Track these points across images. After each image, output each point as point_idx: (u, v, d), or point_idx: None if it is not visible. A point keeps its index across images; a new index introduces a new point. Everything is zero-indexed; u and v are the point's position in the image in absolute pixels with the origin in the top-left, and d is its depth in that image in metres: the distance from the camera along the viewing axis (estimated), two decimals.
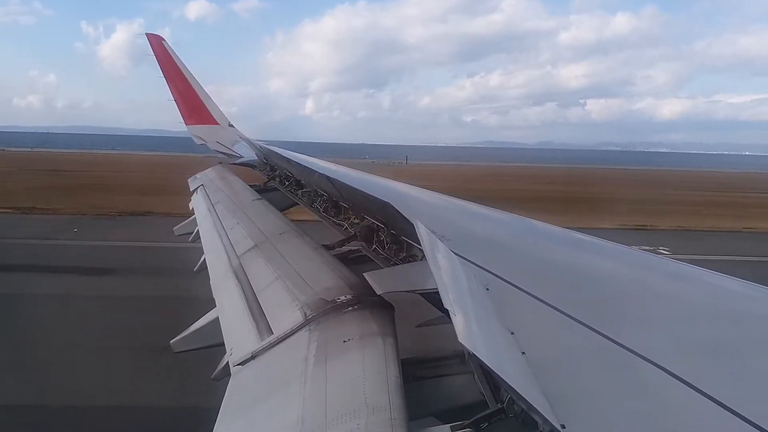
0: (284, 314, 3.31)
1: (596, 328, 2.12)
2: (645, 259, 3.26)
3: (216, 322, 3.81)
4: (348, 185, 4.75)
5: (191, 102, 14.55)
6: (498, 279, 2.67)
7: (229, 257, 4.98)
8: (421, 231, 2.92)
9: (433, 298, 2.79)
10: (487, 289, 2.55)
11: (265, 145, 10.65)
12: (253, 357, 2.90)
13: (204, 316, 4.19)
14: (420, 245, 3.02)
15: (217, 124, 14.80)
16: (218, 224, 6.50)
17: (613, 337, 2.04)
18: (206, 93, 14.87)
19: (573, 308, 2.31)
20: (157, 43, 14.44)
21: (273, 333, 3.12)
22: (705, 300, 2.78)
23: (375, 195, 3.89)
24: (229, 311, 3.84)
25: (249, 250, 5.03)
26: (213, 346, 3.74)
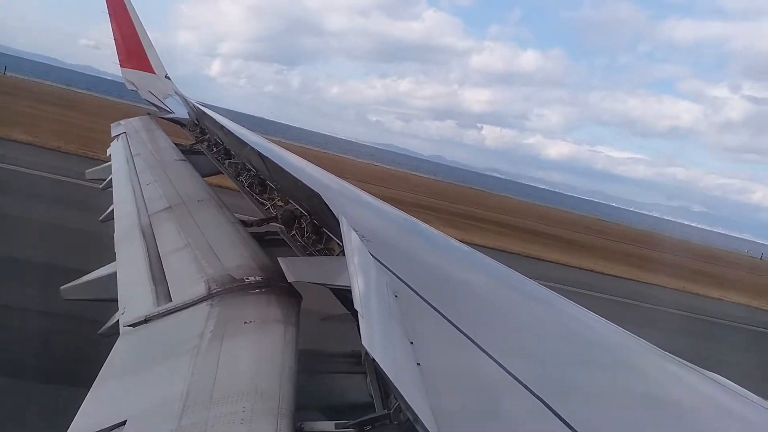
0: (187, 283, 3.21)
1: (490, 353, 2.19)
2: (549, 297, 3.40)
3: (113, 276, 3.64)
4: (280, 166, 4.67)
5: (131, 45, 13.92)
6: (408, 288, 2.70)
7: (139, 213, 4.78)
8: (345, 228, 2.92)
9: (343, 295, 2.79)
10: (396, 297, 2.58)
11: (199, 106, 10.30)
12: (146, 321, 2.80)
13: (101, 268, 4.01)
14: (340, 241, 3.02)
15: (154, 73, 14.22)
16: (134, 177, 6.23)
17: (503, 364, 2.11)
18: (149, 40, 14.26)
19: (473, 329, 2.38)
20: None
21: (172, 300, 3.02)
22: (588, 340, 2.95)
23: (306, 182, 3.85)
24: (129, 268, 3.68)
25: (162, 210, 4.85)
26: (106, 300, 3.57)
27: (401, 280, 2.79)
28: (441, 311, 2.52)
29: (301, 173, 4.36)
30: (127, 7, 13.87)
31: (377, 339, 1.92)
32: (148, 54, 14.23)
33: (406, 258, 3.42)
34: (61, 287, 3.89)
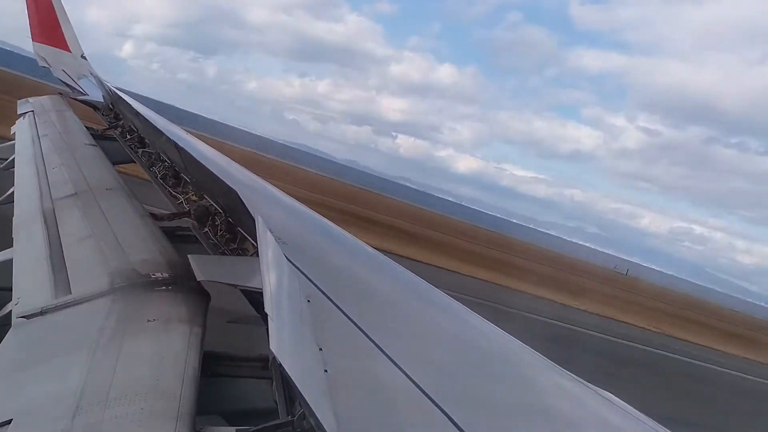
0: (89, 276, 3.07)
1: (396, 360, 2.23)
2: (454, 307, 3.49)
3: (8, 263, 3.42)
4: (197, 159, 4.54)
5: (46, 18, 13.10)
6: (321, 293, 2.70)
7: (42, 197, 4.52)
8: (260, 228, 2.88)
9: (254, 297, 2.76)
10: (308, 301, 2.57)
11: (115, 89, 9.83)
12: (42, 313, 2.66)
13: None
14: (255, 241, 2.98)
15: (69, 51, 13.44)
16: (39, 159, 5.87)
17: (407, 372, 2.15)
18: (66, 16, 13.48)
19: (381, 336, 2.41)
20: None
21: (71, 293, 2.88)
22: (487, 349, 3.08)
23: (223, 178, 3.77)
24: (26, 256, 3.48)
25: (67, 196, 4.60)
26: None
27: (314, 284, 2.79)
28: (352, 318, 2.54)
29: (219, 168, 4.26)
30: None
31: (286, 344, 1.91)
32: (64, 30, 13.44)
33: (321, 262, 3.42)
34: None
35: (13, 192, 4.96)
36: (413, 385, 2.07)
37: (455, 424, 1.88)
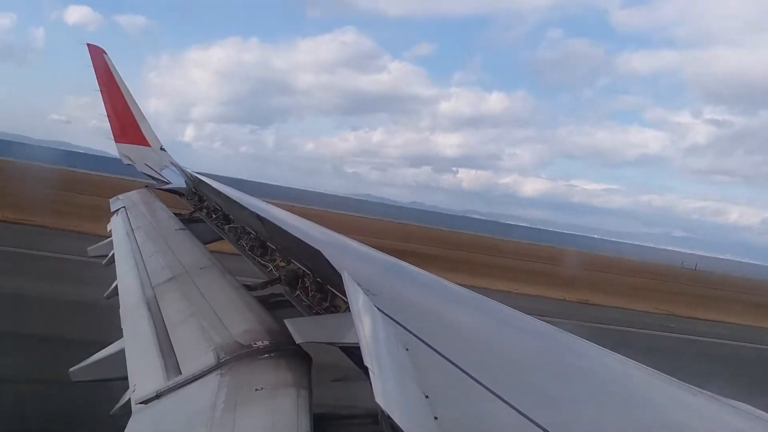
0: (196, 354, 3.18)
1: (507, 399, 2.16)
2: (564, 339, 3.36)
3: (121, 354, 3.61)
4: (278, 227, 4.69)
5: (125, 120, 14.14)
6: (418, 340, 2.68)
7: (143, 287, 4.77)
8: (348, 283, 2.91)
9: (353, 352, 2.76)
10: (407, 350, 2.55)
11: (195, 174, 10.41)
12: (157, 396, 2.76)
13: (108, 347, 3.98)
14: (345, 297, 3.01)
15: (149, 146, 14.40)
16: (136, 250, 6.24)
17: (522, 410, 2.07)
18: (142, 113, 14.50)
19: (487, 377, 2.35)
20: (97, 55, 14.05)
21: (182, 373, 2.99)
22: (605, 377, 2.89)
23: (305, 240, 3.86)
24: (136, 344, 3.65)
25: (166, 281, 4.84)
26: (115, 379, 3.53)
27: (410, 332, 2.77)
28: (454, 361, 2.49)
29: (300, 231, 4.37)
30: (118, 82, 14.13)
31: (391, 395, 1.89)
32: (141, 127, 14.43)
33: (412, 309, 3.40)
34: (70, 369, 3.85)
35: (116, 285, 5.26)
36: (529, 422, 1.99)
37: None
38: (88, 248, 8.34)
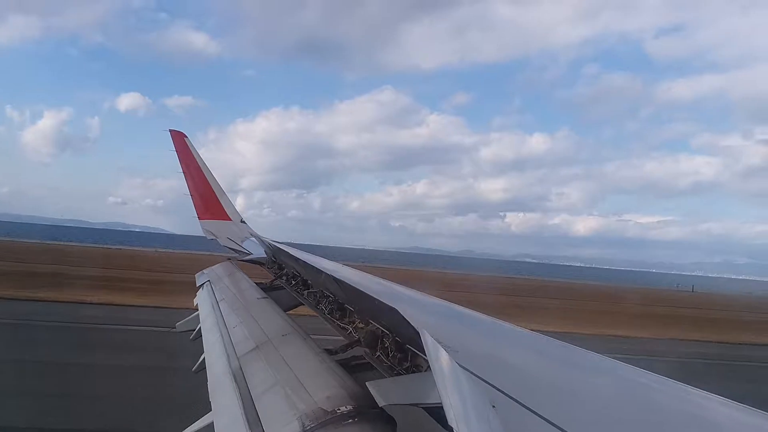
0: (281, 423, 3.17)
1: None
2: (657, 383, 3.14)
3: (210, 427, 3.66)
4: (354, 288, 4.70)
5: (206, 197, 14.84)
6: (505, 396, 2.56)
7: (228, 358, 4.85)
8: (427, 341, 2.84)
9: (437, 413, 2.67)
10: (494, 407, 2.44)
11: (273, 243, 10.70)
12: None
13: (199, 420, 4.04)
14: (425, 355, 2.94)
15: (230, 219, 14.98)
16: (221, 322, 6.39)
17: None
18: (221, 189, 15.18)
19: (582, 430, 2.21)
20: (179, 139, 14.94)
21: None
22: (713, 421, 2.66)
23: (381, 299, 3.83)
24: (224, 416, 3.69)
25: (250, 351, 4.91)
26: None
27: (496, 388, 2.66)
28: (544, 416, 2.37)
29: (376, 291, 4.35)
30: (199, 163, 14.91)
31: None
32: (222, 203, 15.08)
33: (496, 363, 3.28)
34: None
35: (204, 359, 5.37)
36: None
37: None
38: (177, 323, 8.62)
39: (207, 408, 4.03)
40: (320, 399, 3.35)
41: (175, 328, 8.56)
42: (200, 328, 6.90)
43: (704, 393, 2.98)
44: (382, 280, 5.98)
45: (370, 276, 6.41)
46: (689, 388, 3.04)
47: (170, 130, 15.20)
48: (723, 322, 40.67)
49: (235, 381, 4.20)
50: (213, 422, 3.69)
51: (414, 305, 4.81)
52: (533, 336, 3.96)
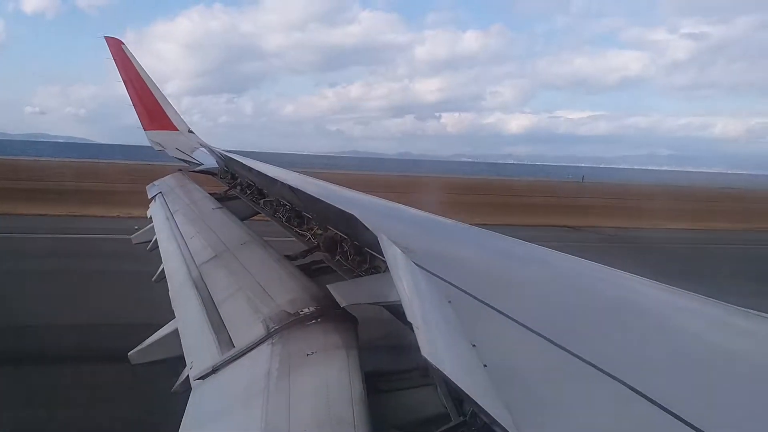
0: (246, 327, 3.27)
1: (557, 341, 2.17)
2: (613, 276, 3.33)
3: (175, 333, 3.74)
4: (311, 195, 4.74)
5: (151, 108, 14.31)
6: (461, 292, 2.70)
7: (188, 267, 4.90)
8: (385, 243, 2.93)
9: (397, 310, 2.81)
10: (450, 302, 2.58)
11: (225, 153, 10.53)
12: (214, 371, 2.87)
13: (162, 328, 4.11)
14: (383, 257, 3.04)
15: (177, 130, 14.58)
16: (177, 233, 6.39)
17: (574, 351, 2.08)
18: (166, 99, 14.65)
19: (535, 322, 2.36)
20: (116, 46, 14.17)
21: (234, 346, 3.09)
22: (668, 315, 2.86)
23: (338, 206, 3.89)
24: (188, 323, 3.77)
25: (209, 260, 4.96)
26: (173, 358, 3.67)
27: (451, 284, 2.79)
28: (497, 307, 2.51)
29: (333, 197, 4.41)
30: (140, 71, 14.26)
31: (438, 348, 1.92)
32: (167, 113, 14.60)
33: (451, 261, 3.42)
34: (129, 353, 4.00)
35: (163, 269, 5.41)
36: (581, 361, 2.00)
37: (641, 393, 1.77)
38: (132, 236, 8.56)
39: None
40: (283, 302, 3.45)
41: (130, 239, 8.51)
42: (156, 239, 6.88)
43: (650, 281, 3.19)
44: (337, 187, 6.02)
45: (325, 183, 6.43)
46: (640, 279, 3.24)
47: (105, 37, 14.37)
48: (543, 207, 43.06)
49: (197, 289, 4.27)
50: (177, 329, 3.77)
51: (370, 210, 4.90)
52: (488, 234, 4.11)
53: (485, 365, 1.99)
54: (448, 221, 4.51)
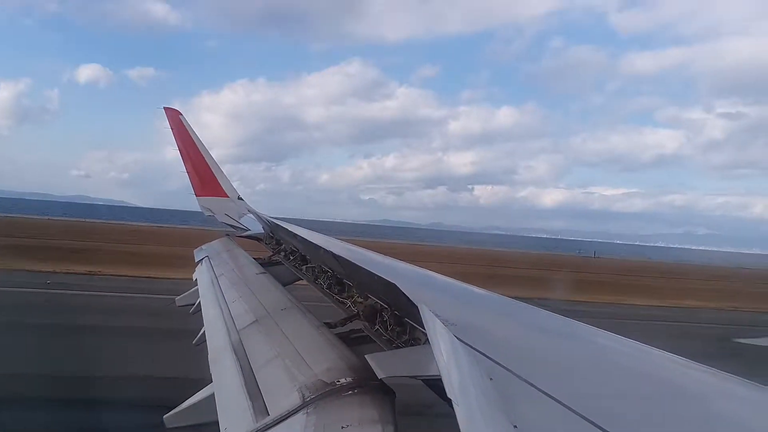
0: (282, 395, 3.22)
1: (601, 425, 2.05)
2: (659, 358, 3.18)
3: (211, 398, 3.71)
4: (353, 263, 4.74)
5: (203, 174, 14.80)
6: (503, 369, 2.60)
7: (228, 331, 4.91)
8: (425, 314, 2.88)
9: (436, 385, 2.72)
10: (491, 379, 2.48)
11: (271, 219, 10.74)
12: None
13: (200, 392, 4.09)
14: (424, 329, 2.98)
15: (227, 196, 14.98)
16: (220, 297, 6.44)
17: None
18: (218, 166, 15.15)
19: (580, 404, 2.24)
20: (173, 116, 14.87)
21: (269, 414, 3.03)
22: (718, 405, 2.70)
23: (380, 274, 3.87)
24: (225, 388, 3.74)
25: (249, 325, 4.96)
26: (207, 423, 3.62)
27: (493, 360, 2.70)
28: (540, 387, 2.40)
29: (375, 266, 4.39)
30: (194, 140, 14.85)
31: (477, 427, 1.84)
32: (219, 180, 15.06)
33: (494, 336, 3.32)
34: (164, 416, 3.98)
35: (204, 332, 5.43)
36: None
37: None
38: (176, 298, 8.68)
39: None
40: (320, 371, 3.39)
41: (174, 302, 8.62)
42: (199, 302, 6.95)
43: (708, 368, 3.02)
44: (379, 255, 6.02)
45: (367, 251, 6.44)
46: (691, 363, 3.08)
47: (165, 108, 15.12)
48: (535, 280, 42.27)
49: (235, 353, 4.25)
50: (213, 394, 3.74)
51: (412, 280, 4.85)
52: (531, 309, 4.00)
53: None
54: (490, 294, 4.43)
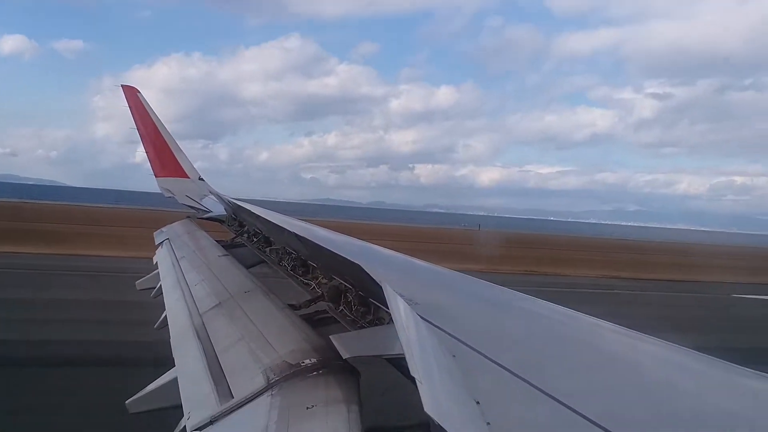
0: (246, 377, 3.21)
1: (562, 401, 2.10)
2: (616, 331, 3.26)
3: (174, 382, 3.67)
4: (317, 244, 4.72)
5: (163, 155, 14.51)
6: (465, 346, 2.64)
7: (191, 315, 4.85)
8: (389, 294, 2.89)
9: (400, 363, 2.75)
10: (454, 357, 2.52)
11: (234, 200, 10.60)
12: (211, 422, 2.79)
13: (162, 376, 4.04)
14: (387, 308, 3.00)
15: (188, 177, 14.72)
16: (182, 280, 6.36)
17: (580, 410, 2.01)
18: (178, 146, 14.86)
19: (539, 379, 2.29)
20: (131, 94, 14.49)
21: (233, 397, 3.02)
22: (669, 371, 2.79)
23: (344, 255, 3.87)
24: (188, 372, 3.71)
25: (212, 308, 4.91)
26: (171, 407, 3.59)
27: (456, 338, 2.73)
28: (503, 364, 2.45)
29: (338, 247, 4.38)
30: (153, 119, 14.51)
31: (441, 404, 1.87)
32: (179, 160, 14.78)
33: (457, 315, 3.36)
34: (126, 401, 3.92)
35: (166, 316, 5.36)
36: (587, 421, 1.93)
37: None
38: (136, 282, 8.53)
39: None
40: (284, 353, 3.39)
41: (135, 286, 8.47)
42: (161, 285, 6.85)
43: (682, 348, 3.10)
44: (343, 236, 6.01)
45: (332, 232, 6.42)
46: (655, 340, 3.16)
47: (122, 86, 14.72)
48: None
49: (198, 337, 4.21)
50: (177, 378, 3.70)
51: (375, 260, 4.87)
52: (493, 288, 4.06)
53: (488, 423, 1.93)
54: (454, 273, 4.47)
